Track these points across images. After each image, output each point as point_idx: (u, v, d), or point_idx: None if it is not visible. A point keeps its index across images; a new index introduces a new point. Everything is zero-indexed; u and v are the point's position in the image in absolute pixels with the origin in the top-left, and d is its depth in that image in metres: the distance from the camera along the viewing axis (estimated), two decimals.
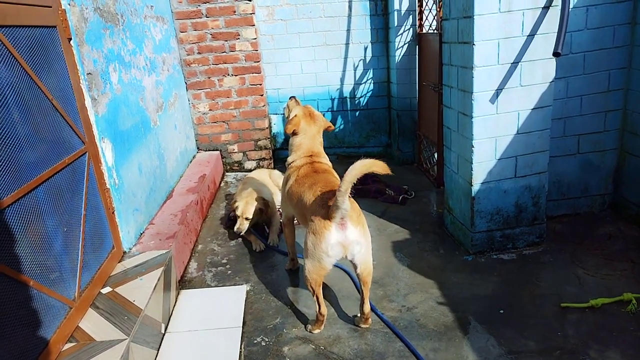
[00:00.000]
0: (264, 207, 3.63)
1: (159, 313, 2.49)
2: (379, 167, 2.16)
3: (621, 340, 2.27)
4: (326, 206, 2.27)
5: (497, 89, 2.84)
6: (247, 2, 4.82)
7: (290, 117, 2.86)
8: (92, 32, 2.72)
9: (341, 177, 2.83)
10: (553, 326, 2.42)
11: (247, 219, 3.52)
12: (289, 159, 2.87)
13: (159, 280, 2.52)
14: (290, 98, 3.14)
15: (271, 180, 4.24)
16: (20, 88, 1.97)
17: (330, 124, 2.96)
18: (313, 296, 2.44)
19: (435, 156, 4.43)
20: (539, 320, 2.48)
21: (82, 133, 2.49)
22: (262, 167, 5.33)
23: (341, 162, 5.39)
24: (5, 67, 1.89)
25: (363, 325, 2.53)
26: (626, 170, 3.34)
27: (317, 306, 2.45)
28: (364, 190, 4.36)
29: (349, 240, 2.26)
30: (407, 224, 3.73)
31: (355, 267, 2.39)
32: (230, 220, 3.96)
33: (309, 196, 2.44)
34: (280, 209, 3.99)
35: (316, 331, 2.51)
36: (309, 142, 2.82)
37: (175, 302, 2.83)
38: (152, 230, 3.18)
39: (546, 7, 2.73)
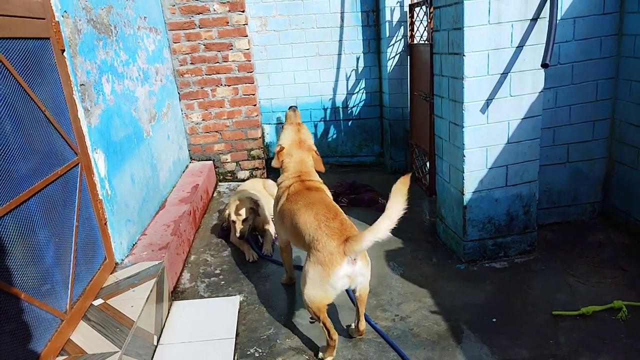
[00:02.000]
0: (255, 205, 3.65)
1: (151, 325, 2.47)
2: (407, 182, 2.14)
3: (612, 347, 2.29)
4: (335, 236, 2.24)
5: (487, 99, 2.88)
6: (240, 13, 4.85)
7: (277, 150, 2.87)
8: (85, 43, 2.73)
9: (329, 186, 2.86)
10: (545, 334, 2.43)
11: (244, 220, 3.53)
12: (279, 180, 2.87)
13: (151, 291, 2.51)
14: (289, 108, 3.10)
15: (265, 189, 4.24)
16: (13, 100, 1.97)
17: (320, 163, 2.90)
18: (319, 322, 2.32)
19: (427, 165, 4.46)
20: (531, 328, 2.49)
21: (74, 144, 2.48)
22: (255, 176, 5.33)
23: (334, 172, 5.42)
24: None
25: (356, 335, 2.53)
26: (615, 179, 3.39)
27: (326, 332, 2.32)
28: (357, 199, 4.38)
29: (355, 273, 2.25)
30: (399, 232, 3.74)
31: (354, 291, 2.38)
32: (223, 230, 3.95)
33: (309, 218, 2.38)
34: (273, 220, 4.01)
35: (329, 358, 2.37)
36: (296, 165, 2.81)
37: (168, 313, 2.81)
38: (144, 241, 3.17)
39: (534, 19, 2.78)
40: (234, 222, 3.55)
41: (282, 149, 2.85)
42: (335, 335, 2.34)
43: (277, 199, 2.82)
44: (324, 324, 2.31)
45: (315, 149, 2.93)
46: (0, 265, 1.74)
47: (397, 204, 2.09)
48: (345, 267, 2.21)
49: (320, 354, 2.41)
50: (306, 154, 2.85)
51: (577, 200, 3.52)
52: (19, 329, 1.80)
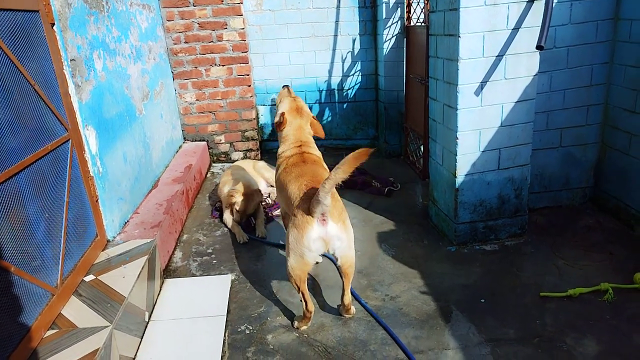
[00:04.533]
0: (256, 195, 3.70)
1: (142, 301, 2.48)
2: (362, 157, 2.11)
3: (597, 328, 2.33)
4: (309, 201, 2.26)
5: (481, 82, 2.87)
6: None
7: (277, 118, 2.91)
8: (76, 17, 2.69)
9: (331, 169, 2.85)
10: (532, 315, 2.47)
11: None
12: (279, 150, 2.88)
13: (142, 268, 2.52)
14: (283, 87, 3.14)
15: (254, 171, 4.24)
16: (1, 72, 1.95)
17: (320, 128, 2.97)
18: (298, 293, 2.41)
19: (422, 149, 4.47)
20: (518, 309, 2.53)
21: (65, 120, 2.46)
22: (249, 158, 5.32)
23: (329, 155, 5.40)
24: None
25: (346, 315, 2.55)
26: (606, 164, 3.41)
27: (304, 303, 2.41)
28: (351, 182, 4.38)
29: (329, 235, 2.26)
30: (392, 215, 3.76)
31: (336, 260, 2.40)
32: (216, 210, 3.96)
33: (294, 189, 2.42)
34: (270, 201, 4.02)
35: (303, 327, 2.48)
36: (296, 132, 2.84)
37: (160, 290, 2.82)
38: (136, 219, 3.17)
39: (531, 1, 2.75)
40: (237, 210, 3.61)
41: (284, 114, 2.88)
42: (312, 308, 2.43)
43: (277, 168, 2.84)
44: (303, 295, 2.40)
45: (313, 115, 2.98)
46: None
47: (343, 166, 2.09)
48: (316, 228, 2.24)
49: (296, 323, 2.51)
50: (304, 121, 2.89)
51: (569, 185, 3.55)
52: (9, 302, 1.81)
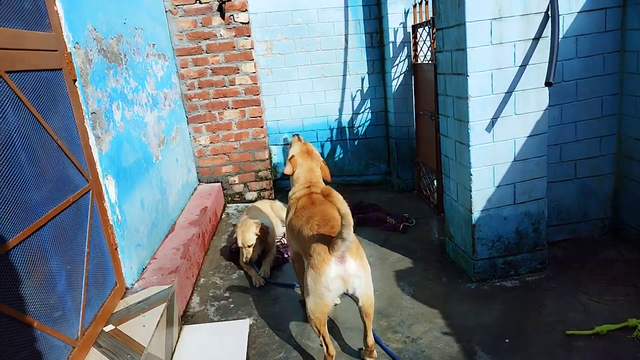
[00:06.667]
0: (263, 234, 3.65)
1: (161, 350, 2.47)
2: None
3: None
4: (325, 240, 2.27)
5: (492, 118, 2.90)
6: (246, 37, 4.95)
7: (288, 158, 2.99)
8: (96, 72, 2.80)
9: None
10: (559, 354, 2.40)
11: (249, 246, 3.54)
12: (290, 192, 2.94)
13: (161, 316, 2.51)
14: (293, 135, 3.26)
15: (272, 211, 4.26)
16: (27, 130, 2.02)
17: (328, 173, 3.01)
18: (319, 337, 2.38)
19: (435, 183, 4.47)
20: (544, 348, 2.46)
21: (86, 171, 2.53)
22: (263, 197, 5.36)
23: (341, 191, 5.40)
24: (13, 111, 1.94)
25: (368, 359, 2.50)
26: (624, 194, 3.37)
27: (325, 347, 2.38)
28: (365, 219, 4.38)
29: (348, 273, 2.25)
30: (409, 252, 3.73)
31: (356, 300, 2.37)
32: (232, 252, 3.96)
33: (307, 230, 2.45)
34: (286, 242, 4.01)
35: None
36: (306, 174, 2.90)
37: (178, 338, 2.81)
38: (154, 265, 3.19)
39: (536, 39, 2.81)
40: (241, 247, 3.58)
41: (293, 156, 2.96)
42: (333, 352, 2.40)
43: (287, 211, 2.90)
44: (323, 338, 2.36)
45: (322, 159, 3.05)
46: (14, 294, 1.76)
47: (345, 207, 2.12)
48: (334, 266, 2.22)
49: None
50: (315, 163, 2.95)
51: (587, 217, 3.50)
52: (32, 357, 1.81)
